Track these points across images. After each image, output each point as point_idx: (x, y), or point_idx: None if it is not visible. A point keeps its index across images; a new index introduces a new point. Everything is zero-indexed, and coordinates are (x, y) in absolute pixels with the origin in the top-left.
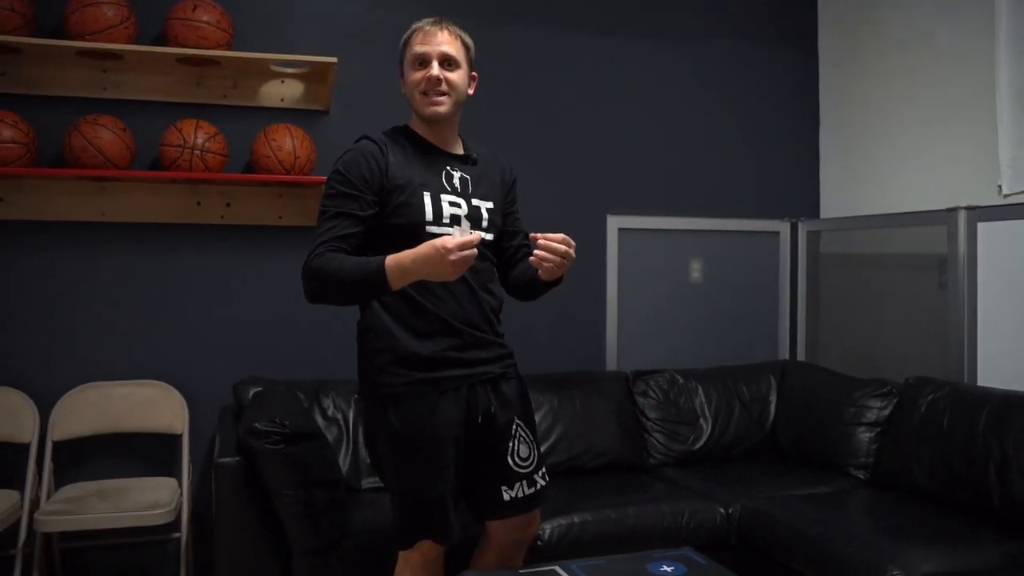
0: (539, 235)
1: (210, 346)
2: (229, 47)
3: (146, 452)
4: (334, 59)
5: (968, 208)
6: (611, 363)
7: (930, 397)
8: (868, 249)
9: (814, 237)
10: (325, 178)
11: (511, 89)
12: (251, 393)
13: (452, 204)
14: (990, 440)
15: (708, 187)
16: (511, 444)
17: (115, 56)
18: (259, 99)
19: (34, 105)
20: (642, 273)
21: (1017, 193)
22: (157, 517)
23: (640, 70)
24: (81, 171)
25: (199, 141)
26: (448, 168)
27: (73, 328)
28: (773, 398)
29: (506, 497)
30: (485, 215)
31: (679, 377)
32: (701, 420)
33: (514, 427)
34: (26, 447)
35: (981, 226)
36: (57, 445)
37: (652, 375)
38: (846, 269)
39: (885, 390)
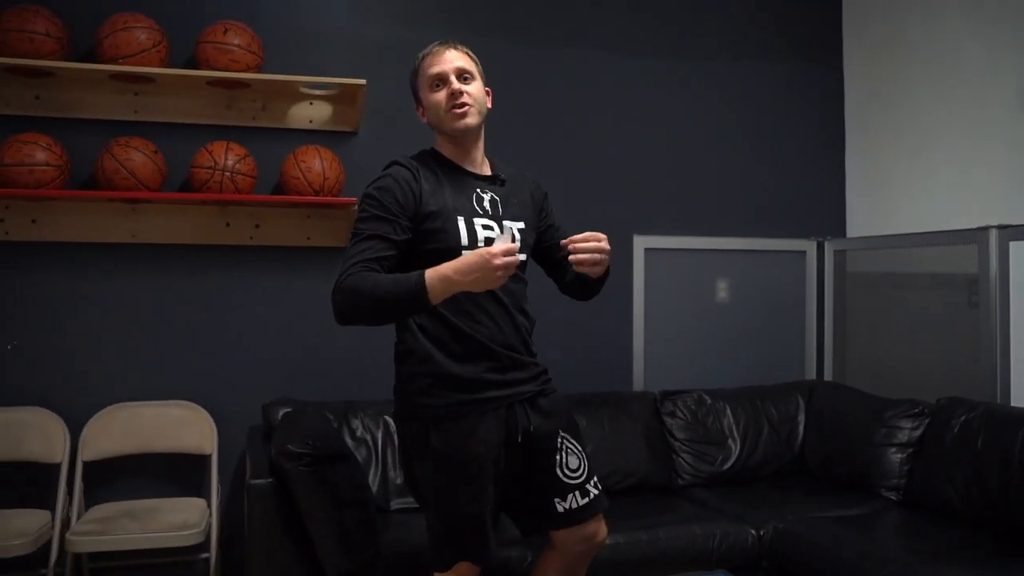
0: (567, 240)
1: (239, 367)
2: (259, 70)
3: (175, 473)
4: (363, 81)
5: (1000, 227)
6: (638, 383)
7: (963, 418)
8: (895, 268)
9: (840, 256)
10: (354, 199)
11: (539, 111)
12: (280, 414)
13: (485, 227)
14: None
15: (734, 207)
16: (559, 456)
17: (147, 79)
18: (288, 121)
19: (67, 128)
20: (669, 293)
21: None
22: (186, 538)
23: (667, 92)
24: (113, 193)
25: (229, 163)
26: (478, 190)
27: (103, 348)
28: (801, 418)
29: (560, 509)
30: (517, 236)
31: (707, 397)
32: (729, 441)
33: (559, 439)
34: (57, 467)
35: (1013, 245)
36: (87, 465)
37: (680, 395)
38: (873, 288)
39: (917, 410)
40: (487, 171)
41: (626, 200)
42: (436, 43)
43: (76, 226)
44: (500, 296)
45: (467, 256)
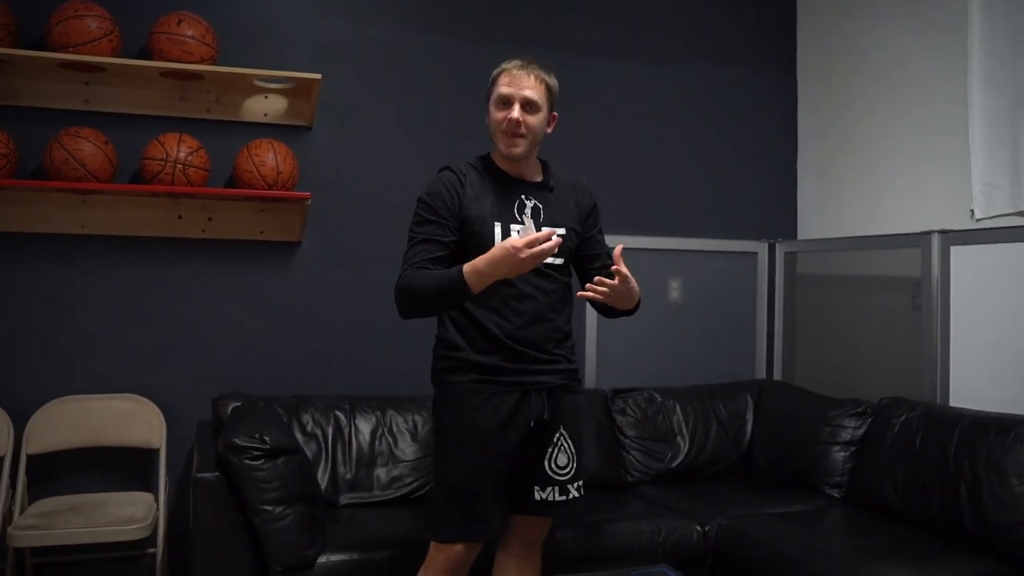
0: (611, 271)
1: (189, 360)
2: (213, 62)
3: (122, 467)
4: (318, 76)
5: (941, 232)
6: (590, 380)
7: (904, 417)
8: (844, 270)
9: (791, 258)
10: (308, 194)
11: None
12: (230, 408)
13: (520, 234)
14: (961, 461)
15: (687, 207)
16: (551, 450)
17: (98, 69)
18: (242, 114)
19: (15, 116)
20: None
21: (989, 218)
22: (132, 532)
23: (620, 92)
24: (62, 183)
25: (181, 155)
26: (522, 197)
27: (51, 341)
28: (750, 417)
29: (536, 497)
30: (556, 232)
31: (657, 395)
32: (679, 438)
33: (557, 436)
34: None
35: (954, 250)
36: (31, 459)
37: (631, 393)
38: (822, 290)
39: (860, 410)
40: (537, 177)
41: None
42: (519, 62)
43: (23, 217)
44: (537, 297)
45: (494, 249)
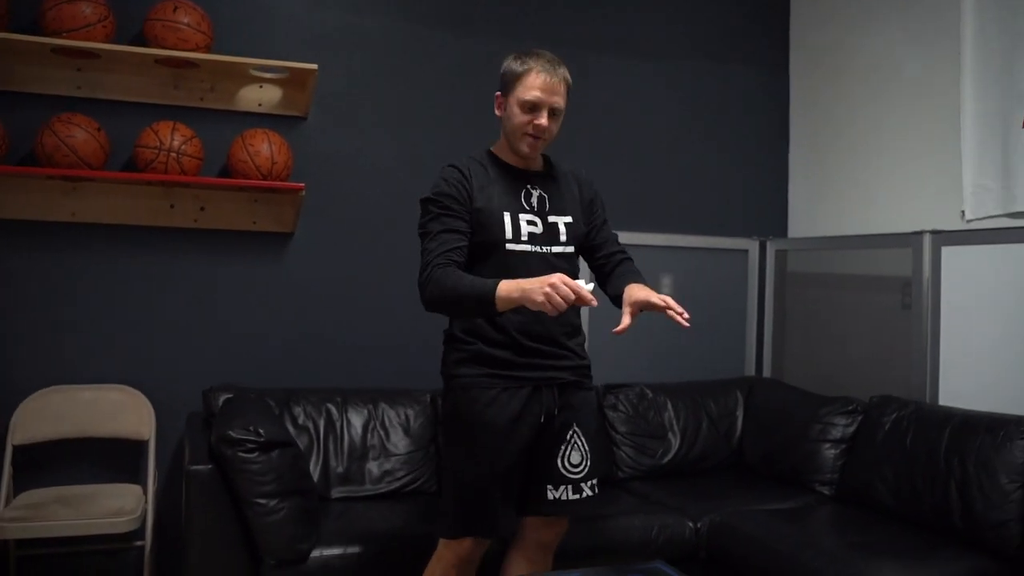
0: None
1: (179, 351)
2: (208, 50)
3: (111, 458)
4: (314, 66)
5: (933, 232)
6: None
7: (894, 416)
8: (835, 269)
9: (782, 256)
10: (302, 185)
11: (481, 105)
12: (221, 400)
13: (529, 223)
14: (951, 459)
15: (679, 204)
16: (564, 448)
17: (92, 55)
18: (237, 103)
19: (6, 102)
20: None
21: (980, 219)
22: (120, 525)
23: (612, 89)
24: (53, 170)
25: (175, 143)
26: (528, 187)
27: (38, 329)
28: (740, 414)
29: (550, 496)
30: (563, 229)
31: (649, 391)
32: (670, 434)
33: (570, 433)
34: None
35: (945, 250)
36: (17, 449)
37: (622, 389)
38: (813, 288)
39: (850, 408)
40: (539, 166)
41: None
42: (547, 61)
43: (13, 203)
44: None
45: (535, 279)
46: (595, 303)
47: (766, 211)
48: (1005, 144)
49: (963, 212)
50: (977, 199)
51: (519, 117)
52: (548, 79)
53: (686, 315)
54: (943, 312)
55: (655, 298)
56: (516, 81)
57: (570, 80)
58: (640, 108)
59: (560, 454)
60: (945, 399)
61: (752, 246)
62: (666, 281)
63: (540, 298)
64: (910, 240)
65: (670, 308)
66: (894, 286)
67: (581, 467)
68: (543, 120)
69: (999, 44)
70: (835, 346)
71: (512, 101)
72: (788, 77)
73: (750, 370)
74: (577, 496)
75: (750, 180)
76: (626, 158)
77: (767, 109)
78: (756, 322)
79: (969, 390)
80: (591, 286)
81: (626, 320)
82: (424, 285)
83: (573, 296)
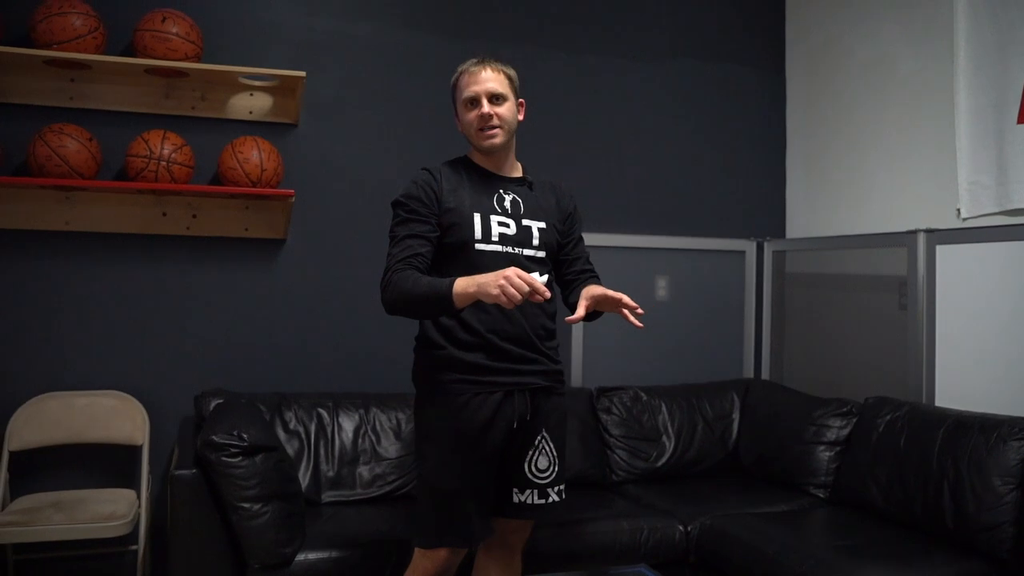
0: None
1: (173, 357)
2: (198, 59)
3: (105, 464)
4: (302, 73)
5: (927, 231)
6: (576, 379)
7: (888, 417)
8: (832, 270)
9: (779, 257)
10: (292, 191)
11: None
12: (212, 405)
13: (501, 224)
14: (944, 461)
15: (676, 206)
16: (532, 453)
17: (83, 66)
18: (227, 111)
19: None
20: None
21: (975, 217)
22: (114, 529)
23: (608, 90)
24: (46, 180)
25: (166, 152)
26: (501, 191)
27: (34, 337)
28: (736, 416)
29: (515, 500)
30: (536, 234)
31: (643, 394)
32: (664, 438)
33: (539, 439)
34: None
35: (940, 249)
36: (13, 455)
37: (616, 392)
38: (810, 289)
39: (845, 409)
40: (516, 174)
41: None
42: (473, 60)
43: (7, 213)
44: None
45: (490, 273)
46: (549, 295)
47: (763, 212)
48: (1000, 141)
49: (958, 210)
50: (973, 196)
51: (466, 116)
52: (475, 72)
53: (640, 311)
54: (939, 311)
55: (611, 292)
56: (454, 91)
57: (506, 69)
58: (636, 109)
59: (528, 459)
60: (942, 399)
61: (749, 247)
62: (662, 283)
63: (495, 291)
64: (905, 239)
65: (625, 305)
66: (890, 286)
67: (548, 472)
68: (485, 108)
69: (993, 40)
70: (832, 347)
71: (458, 109)
72: (784, 77)
73: (748, 372)
74: (543, 501)
75: (747, 181)
76: (621, 160)
77: (763, 109)
78: (754, 324)
79: (966, 390)
80: (545, 278)
81: (580, 311)
82: (384, 289)
83: (527, 288)
